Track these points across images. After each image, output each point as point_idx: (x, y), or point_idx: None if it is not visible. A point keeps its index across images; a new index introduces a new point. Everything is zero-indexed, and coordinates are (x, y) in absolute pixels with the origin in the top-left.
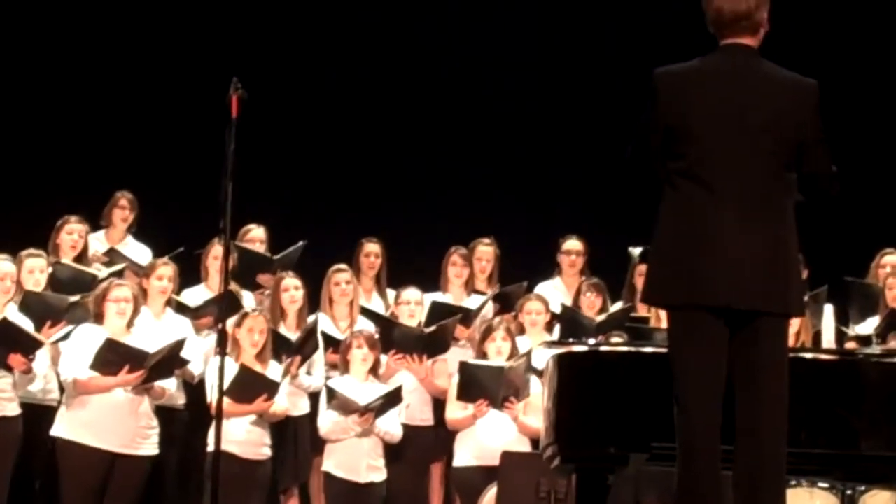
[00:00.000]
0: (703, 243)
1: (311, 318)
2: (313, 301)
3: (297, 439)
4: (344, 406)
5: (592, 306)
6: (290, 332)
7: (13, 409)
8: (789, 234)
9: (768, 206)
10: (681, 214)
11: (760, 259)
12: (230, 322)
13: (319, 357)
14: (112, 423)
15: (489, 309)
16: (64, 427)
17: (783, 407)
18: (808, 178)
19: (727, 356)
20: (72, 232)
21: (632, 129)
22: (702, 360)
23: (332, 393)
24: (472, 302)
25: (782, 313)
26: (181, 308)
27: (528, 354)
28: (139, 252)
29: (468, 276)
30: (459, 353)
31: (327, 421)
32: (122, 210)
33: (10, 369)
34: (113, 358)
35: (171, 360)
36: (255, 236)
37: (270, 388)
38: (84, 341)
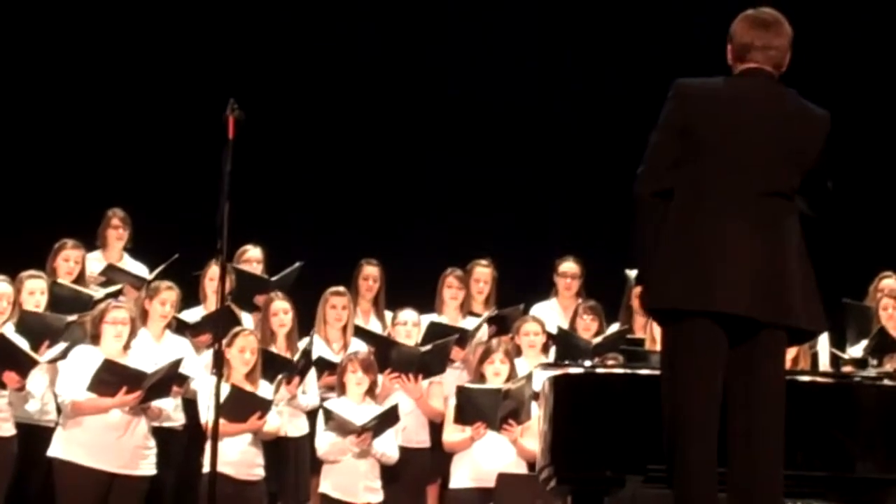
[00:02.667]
0: (711, 252)
1: (306, 340)
2: (307, 321)
3: (297, 461)
4: (341, 427)
5: (589, 329)
6: (280, 353)
7: (8, 430)
8: (799, 251)
9: (777, 222)
10: (689, 222)
11: (767, 271)
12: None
13: (312, 376)
14: (109, 443)
15: (484, 331)
16: (61, 447)
17: (781, 425)
18: (805, 194)
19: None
20: (68, 258)
21: (648, 135)
22: (700, 369)
23: (328, 414)
24: (467, 324)
25: (788, 326)
26: (180, 325)
27: (529, 377)
28: (136, 271)
29: (464, 297)
30: (454, 375)
31: (325, 442)
32: (116, 229)
33: (3, 386)
34: (110, 379)
35: (168, 381)
36: (252, 256)
37: (262, 406)
38: (81, 362)
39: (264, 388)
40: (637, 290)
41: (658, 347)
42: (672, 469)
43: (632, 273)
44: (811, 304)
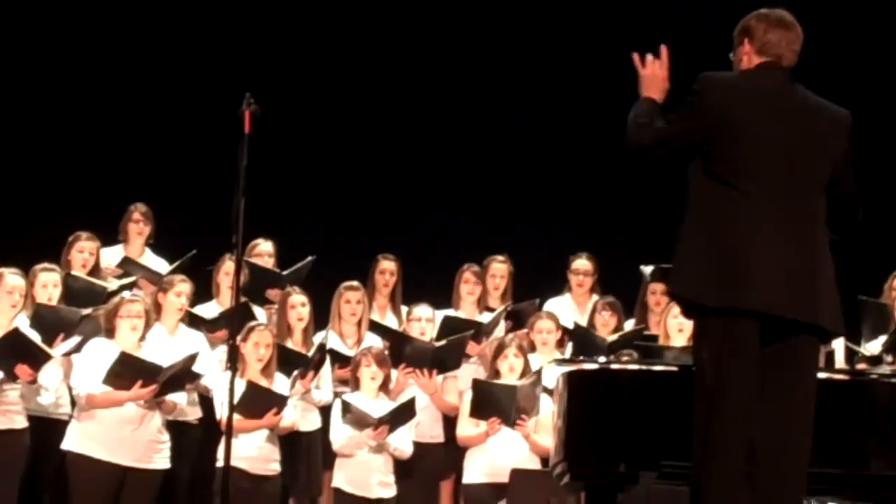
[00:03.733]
0: (751, 251)
1: (320, 334)
2: (321, 316)
3: (309, 455)
4: (358, 420)
5: (607, 325)
6: (297, 348)
7: (21, 422)
8: (826, 253)
9: (807, 223)
10: (723, 220)
11: (803, 271)
12: (239, 337)
13: (326, 371)
14: (123, 436)
15: (501, 326)
16: (75, 441)
17: (809, 427)
18: (837, 204)
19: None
20: (82, 250)
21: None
22: (742, 369)
23: (346, 407)
24: (484, 319)
25: (823, 328)
26: (195, 320)
27: (539, 373)
28: (157, 265)
29: (480, 293)
30: (470, 370)
31: (341, 435)
32: (137, 224)
33: (15, 379)
34: (126, 372)
35: (183, 375)
36: (263, 250)
37: (279, 401)
38: (96, 356)
39: (279, 383)
40: (653, 286)
41: (672, 343)
42: (705, 457)
43: (647, 270)
44: (835, 307)
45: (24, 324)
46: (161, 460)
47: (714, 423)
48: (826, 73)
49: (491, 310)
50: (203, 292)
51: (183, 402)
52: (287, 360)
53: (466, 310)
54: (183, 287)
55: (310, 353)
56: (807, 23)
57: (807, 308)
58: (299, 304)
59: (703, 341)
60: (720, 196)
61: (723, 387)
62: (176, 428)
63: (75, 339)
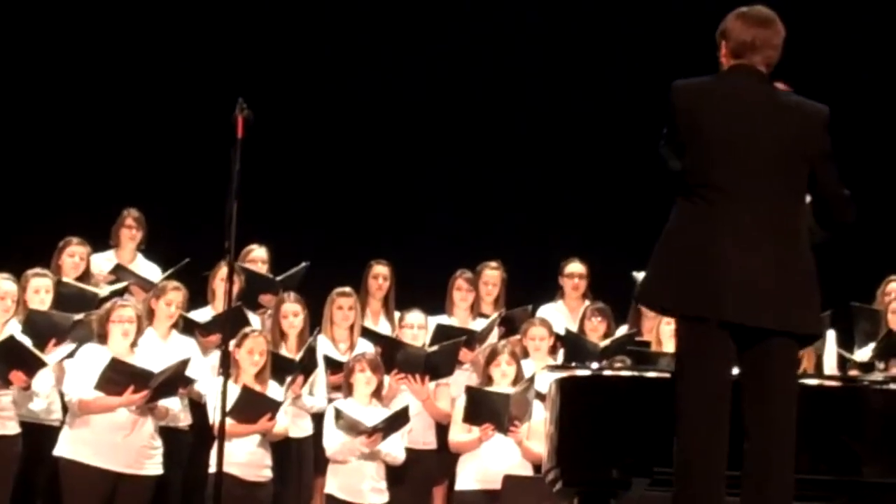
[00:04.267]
0: (716, 258)
1: (310, 338)
2: (316, 322)
3: (301, 461)
4: (351, 427)
5: (597, 330)
6: (291, 354)
7: (13, 428)
8: (803, 255)
9: (781, 226)
10: (695, 226)
11: (772, 278)
12: (232, 342)
13: (321, 377)
14: (115, 442)
15: (495, 332)
16: (67, 446)
17: (792, 431)
18: (821, 202)
19: (732, 374)
20: (73, 255)
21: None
22: (708, 375)
23: (338, 414)
24: (477, 325)
25: (794, 333)
26: (189, 324)
27: (532, 379)
28: (149, 271)
29: (473, 299)
30: (463, 377)
31: (334, 442)
32: (129, 229)
33: (7, 385)
34: (117, 377)
35: (175, 380)
36: (257, 256)
37: (273, 407)
38: (88, 361)
39: (273, 390)
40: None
41: (665, 349)
42: (675, 468)
43: (639, 276)
44: (810, 309)
45: (15, 329)
46: (153, 466)
47: (679, 435)
48: (816, 74)
49: (484, 316)
50: (199, 298)
51: (175, 408)
52: (280, 367)
53: (459, 316)
54: (175, 295)
55: (298, 357)
56: (805, 24)
57: (774, 313)
58: (291, 314)
59: (675, 345)
60: (688, 204)
61: (685, 395)
62: (168, 434)
63: (70, 346)
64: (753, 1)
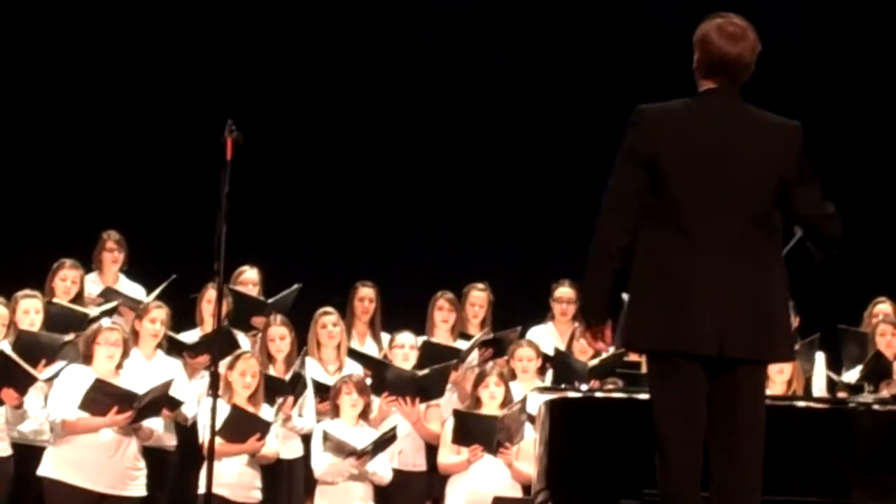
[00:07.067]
0: (684, 289)
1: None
2: (304, 343)
3: (291, 482)
4: (339, 448)
5: (585, 351)
6: (279, 376)
7: (5, 450)
8: (774, 279)
9: (750, 251)
10: (660, 258)
11: (742, 307)
12: (223, 364)
13: (310, 399)
14: (99, 463)
15: (475, 354)
16: (51, 467)
17: (759, 460)
18: (803, 222)
19: (706, 401)
20: (65, 278)
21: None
22: (681, 405)
23: (326, 435)
24: (459, 346)
25: (765, 361)
26: (175, 344)
27: (524, 401)
28: (133, 291)
29: (455, 320)
30: (446, 397)
31: (322, 463)
32: (111, 252)
33: (1, 403)
34: (101, 398)
35: (159, 401)
36: (248, 278)
37: (262, 427)
38: (72, 381)
39: (266, 411)
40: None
41: None
42: (660, 495)
43: (626, 297)
44: (776, 334)
45: (6, 350)
46: (137, 487)
47: (661, 459)
48: (803, 96)
49: (466, 336)
50: (187, 320)
51: (160, 429)
52: (271, 388)
53: (441, 337)
54: (158, 313)
55: (287, 378)
56: (806, 24)
57: (747, 345)
58: (278, 337)
59: (647, 377)
60: (655, 231)
61: (660, 422)
62: (154, 455)
63: (61, 365)
64: (731, 7)
